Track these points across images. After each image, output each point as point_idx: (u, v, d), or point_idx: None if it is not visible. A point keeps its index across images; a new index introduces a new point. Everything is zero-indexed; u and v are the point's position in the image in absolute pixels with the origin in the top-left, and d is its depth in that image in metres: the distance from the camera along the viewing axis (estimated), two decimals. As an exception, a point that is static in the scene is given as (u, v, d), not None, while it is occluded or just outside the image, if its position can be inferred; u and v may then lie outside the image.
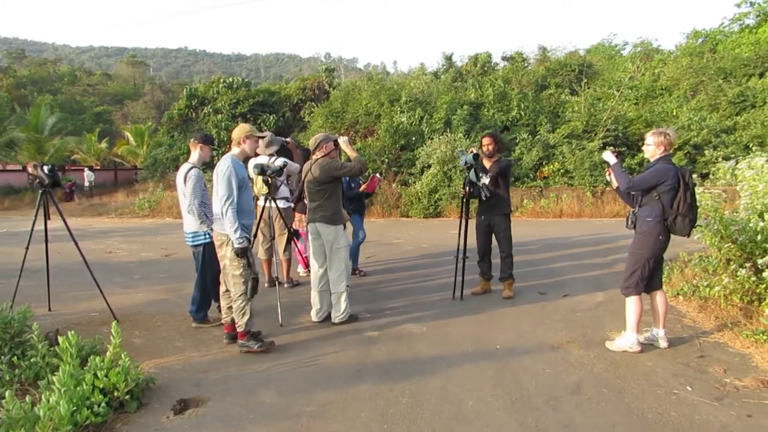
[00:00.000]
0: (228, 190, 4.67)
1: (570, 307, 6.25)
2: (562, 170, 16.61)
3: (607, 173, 4.93)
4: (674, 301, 6.24)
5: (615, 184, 4.82)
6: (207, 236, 5.39)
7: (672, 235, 4.64)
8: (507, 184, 6.62)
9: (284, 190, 6.97)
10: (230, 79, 28.04)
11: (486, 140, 6.63)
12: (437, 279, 7.71)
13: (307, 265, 7.62)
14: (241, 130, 5.00)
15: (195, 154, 5.56)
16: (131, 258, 10.12)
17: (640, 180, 4.59)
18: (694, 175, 14.99)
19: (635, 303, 4.72)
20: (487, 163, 6.59)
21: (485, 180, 6.44)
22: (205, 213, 5.37)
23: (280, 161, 6.44)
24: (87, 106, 53.85)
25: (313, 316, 5.76)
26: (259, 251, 7.15)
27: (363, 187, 7.58)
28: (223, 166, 4.76)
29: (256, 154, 6.16)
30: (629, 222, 4.77)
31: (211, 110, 25.61)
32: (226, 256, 4.85)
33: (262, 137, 5.12)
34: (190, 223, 5.45)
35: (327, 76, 28.08)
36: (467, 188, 6.47)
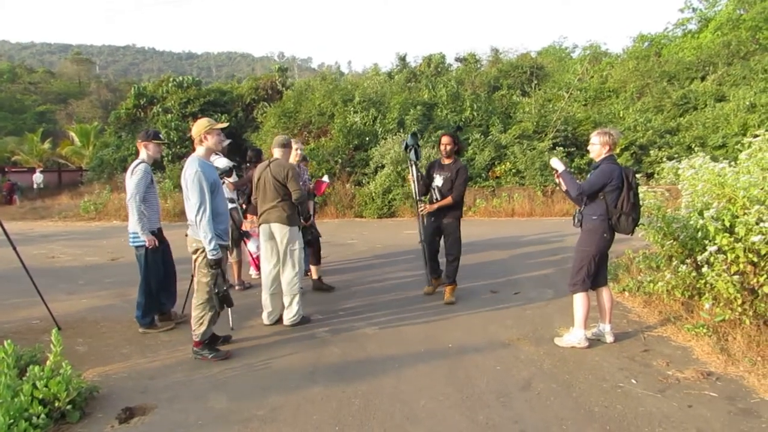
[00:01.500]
0: (200, 196, 4.47)
1: (521, 304, 6.36)
2: (513, 170, 16.87)
3: (555, 176, 5.04)
4: (620, 297, 6.44)
5: (564, 187, 4.93)
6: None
7: (618, 233, 4.79)
8: (464, 188, 6.44)
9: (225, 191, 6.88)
10: (180, 78, 27.37)
11: (445, 139, 6.42)
12: (390, 279, 7.73)
13: (258, 267, 7.52)
14: (199, 126, 4.74)
15: (143, 153, 5.45)
16: (75, 263, 9.79)
17: (589, 185, 4.69)
18: (640, 175, 15.51)
19: (582, 299, 4.84)
20: (445, 162, 6.46)
21: (438, 182, 6.39)
22: (143, 211, 5.26)
23: (226, 161, 6.36)
24: (28, 105, 51.90)
25: (265, 319, 5.68)
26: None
27: (310, 188, 7.53)
28: (191, 170, 4.52)
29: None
30: (576, 220, 4.89)
31: (160, 110, 24.99)
32: (197, 261, 4.71)
33: (225, 126, 4.97)
34: (132, 222, 5.32)
35: (280, 75, 27.73)
36: (413, 170, 6.41)
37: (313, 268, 7.14)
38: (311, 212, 6.96)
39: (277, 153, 5.68)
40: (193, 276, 4.98)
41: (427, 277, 6.67)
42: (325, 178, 7.47)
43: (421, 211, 6.43)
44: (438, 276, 6.80)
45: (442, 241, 6.60)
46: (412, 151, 6.43)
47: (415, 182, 6.46)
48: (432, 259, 6.70)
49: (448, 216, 6.43)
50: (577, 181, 4.83)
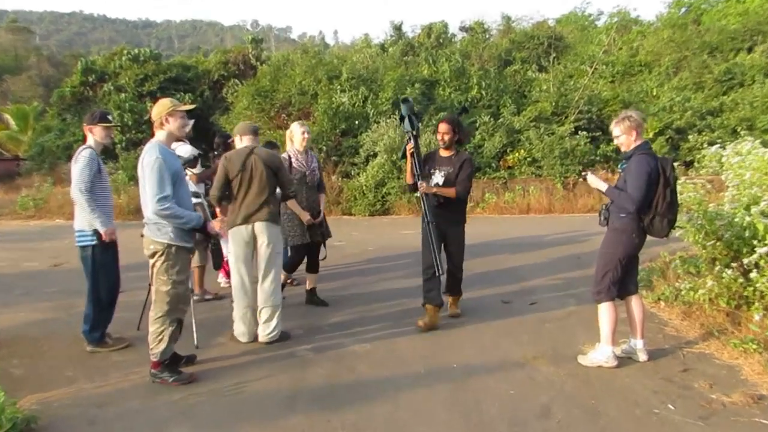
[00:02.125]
0: (160, 187, 4.47)
1: (538, 317, 6.37)
2: (528, 159, 16.89)
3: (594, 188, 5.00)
4: (655, 308, 6.44)
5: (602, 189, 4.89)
6: (94, 236, 5.23)
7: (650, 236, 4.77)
8: (470, 183, 6.15)
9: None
10: (136, 51, 27.32)
11: (443, 127, 6.07)
12: (385, 288, 7.72)
13: (228, 274, 7.46)
14: (161, 107, 4.73)
15: (90, 139, 5.41)
16: (11, 269, 9.72)
17: (639, 191, 4.56)
18: (677, 164, 15.49)
19: (609, 310, 4.83)
20: (444, 154, 6.19)
21: (438, 179, 6.06)
22: (96, 203, 5.21)
23: (190, 149, 6.31)
24: (-45, 81, 51.52)
25: (240, 335, 5.65)
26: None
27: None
28: (150, 158, 4.52)
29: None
30: (602, 218, 4.87)
31: (112, 88, 24.91)
32: (155, 266, 4.68)
33: (191, 109, 4.94)
34: (79, 218, 5.27)
35: (254, 47, 27.70)
36: (414, 143, 6.01)
37: (310, 276, 7.06)
38: (321, 208, 6.86)
39: (246, 142, 5.65)
40: (150, 285, 4.94)
41: (428, 296, 6.08)
42: None
43: (420, 187, 5.94)
44: (437, 304, 6.08)
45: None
46: (406, 121, 6.11)
47: (417, 156, 6.03)
48: (431, 277, 6.05)
49: (450, 220, 6.08)
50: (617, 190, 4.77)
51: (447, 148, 6.18)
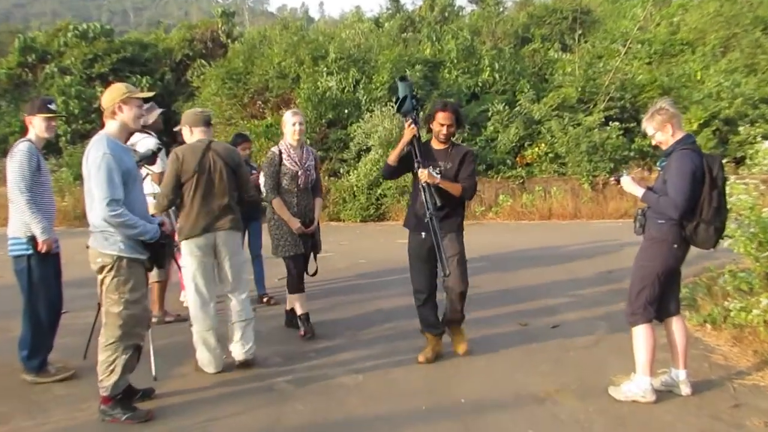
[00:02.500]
0: (109, 188, 4.39)
1: (560, 342, 6.36)
2: (550, 154, 16.89)
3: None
4: (700, 331, 6.44)
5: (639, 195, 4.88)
6: (30, 245, 5.18)
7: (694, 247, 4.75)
8: (475, 181, 6.03)
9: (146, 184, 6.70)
10: (84, 26, 27.27)
11: (446, 117, 5.79)
12: (379, 308, 7.73)
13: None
14: (114, 92, 4.66)
15: (30, 131, 5.40)
16: (-65, 285, 9.67)
17: (681, 193, 4.52)
18: (726, 161, 15.45)
19: (645, 334, 4.80)
20: (439, 147, 6.00)
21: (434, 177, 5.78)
22: (35, 203, 5.18)
23: (151, 143, 6.26)
24: None
25: (207, 365, 5.60)
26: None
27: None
28: (96, 153, 4.47)
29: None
30: (638, 225, 4.85)
31: (55, 70, 24.89)
32: (104, 283, 4.62)
33: (149, 96, 4.91)
34: (14, 224, 5.24)
35: (224, 22, 27.72)
36: (410, 117, 5.93)
37: (291, 295, 6.89)
38: (316, 215, 6.76)
39: (198, 135, 5.60)
40: (99, 305, 4.91)
41: (426, 321, 5.99)
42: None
43: (420, 175, 5.73)
44: (438, 333, 5.99)
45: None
46: (407, 102, 5.99)
47: (418, 141, 5.88)
48: (426, 303, 5.94)
49: (446, 228, 5.78)
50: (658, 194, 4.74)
51: (445, 141, 5.98)
